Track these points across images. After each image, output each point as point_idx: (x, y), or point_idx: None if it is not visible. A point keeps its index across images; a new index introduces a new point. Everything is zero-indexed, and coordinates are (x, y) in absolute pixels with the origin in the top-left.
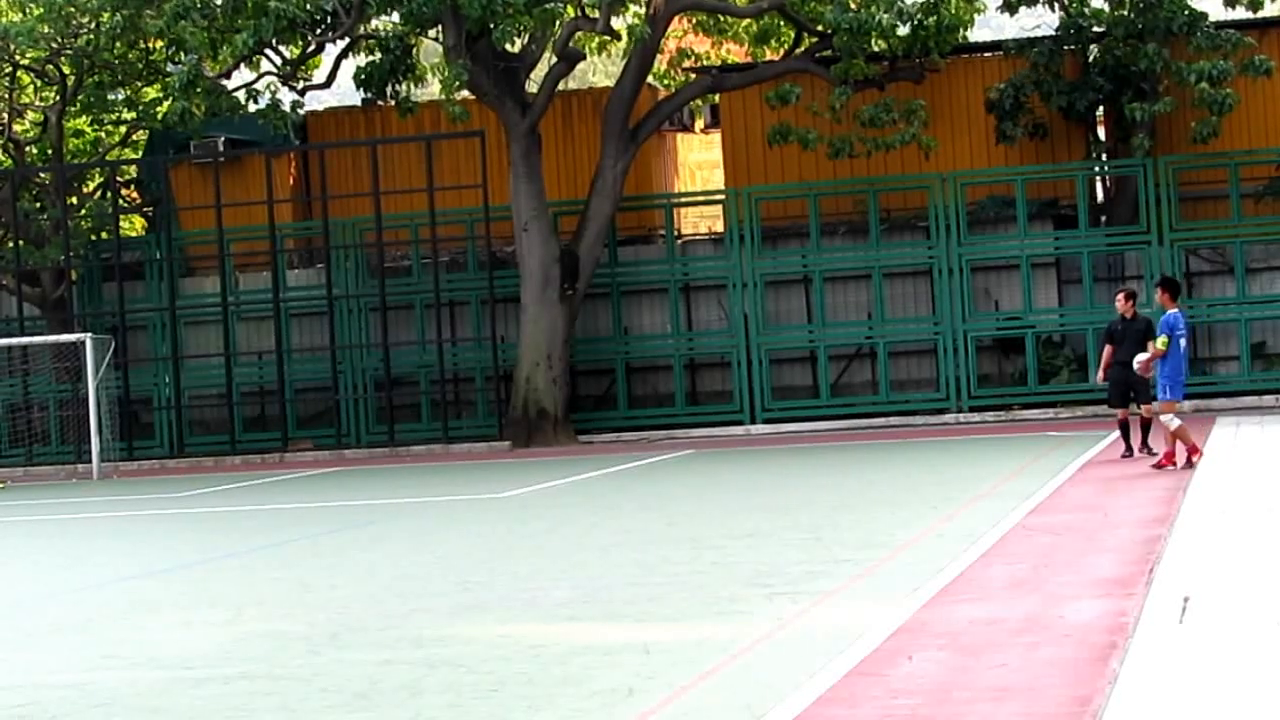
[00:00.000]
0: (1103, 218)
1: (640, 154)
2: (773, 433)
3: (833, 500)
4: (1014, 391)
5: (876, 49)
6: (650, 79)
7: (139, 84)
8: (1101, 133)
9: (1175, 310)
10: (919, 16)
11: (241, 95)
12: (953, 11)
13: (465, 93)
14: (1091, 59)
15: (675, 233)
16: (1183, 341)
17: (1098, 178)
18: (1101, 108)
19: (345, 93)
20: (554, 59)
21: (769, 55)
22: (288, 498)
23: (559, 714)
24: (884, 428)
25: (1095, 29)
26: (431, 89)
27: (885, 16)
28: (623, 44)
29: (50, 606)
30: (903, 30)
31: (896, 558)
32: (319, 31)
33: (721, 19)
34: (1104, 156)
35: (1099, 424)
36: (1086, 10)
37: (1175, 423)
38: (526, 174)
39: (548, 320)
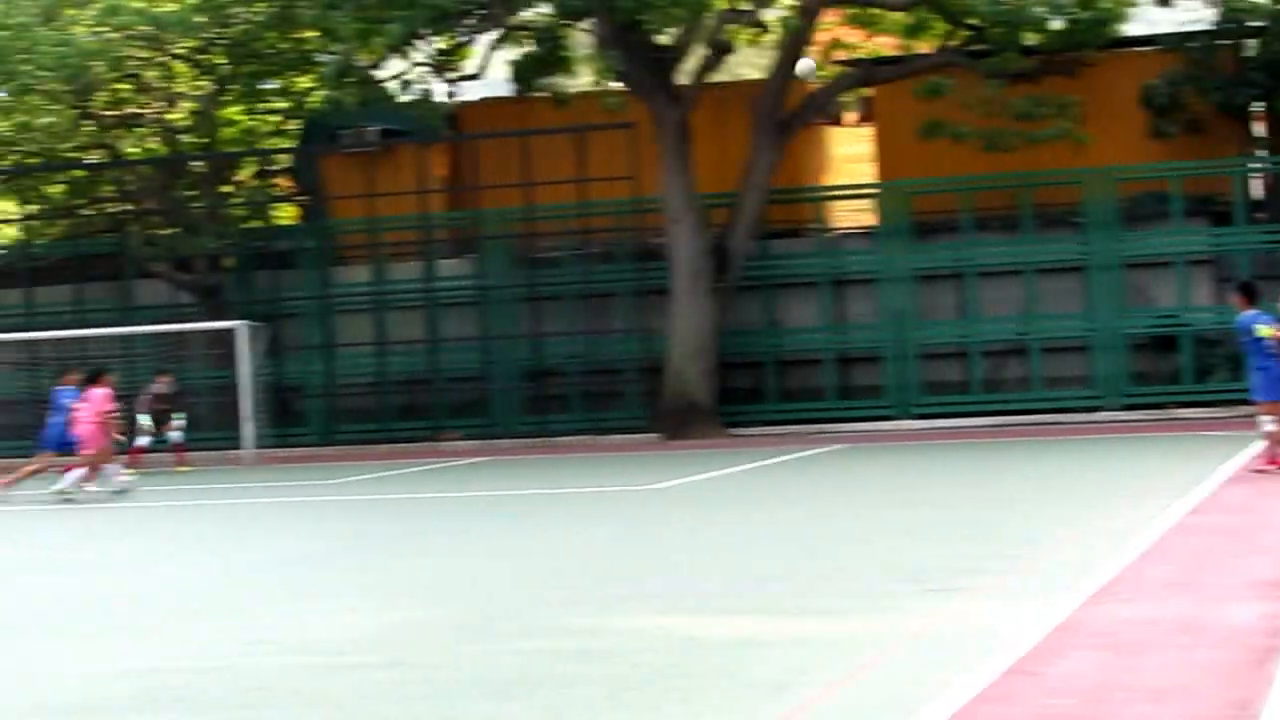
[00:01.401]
0: (1260, 215)
1: (791, 147)
2: (923, 428)
3: (985, 496)
4: (1169, 390)
5: (1029, 42)
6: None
7: (292, 73)
8: (1259, 128)
9: (1252, 312)
10: (1073, 10)
11: (393, 85)
12: (1107, 5)
13: (617, 84)
14: (1249, 54)
15: (826, 226)
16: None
17: (1255, 174)
18: (1259, 103)
19: (497, 83)
20: (705, 51)
21: (921, 48)
22: (437, 487)
23: (712, 706)
24: (1036, 424)
25: (1253, 23)
26: (583, 80)
27: (1039, 10)
28: (774, 36)
29: (202, 591)
30: (1056, 24)
31: (1050, 556)
32: (471, 22)
33: (873, 11)
34: (1261, 153)
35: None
36: (1244, 4)
37: (1269, 426)
38: (677, 166)
39: (698, 313)
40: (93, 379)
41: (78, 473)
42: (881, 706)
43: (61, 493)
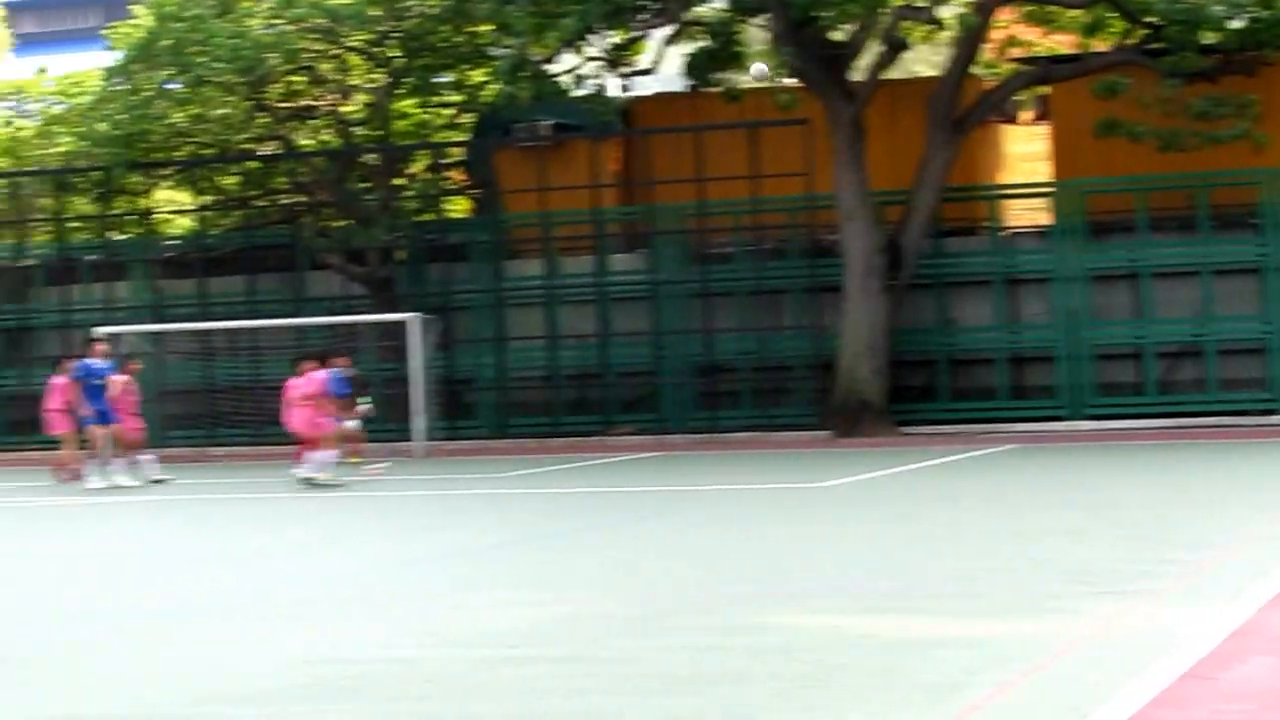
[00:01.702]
0: None
1: (965, 144)
2: (1096, 429)
3: (1158, 498)
4: None
5: (1208, 41)
6: (976, 69)
7: (466, 67)
8: None
9: None
10: (1253, 9)
11: (567, 80)
12: None
13: (791, 80)
14: None
15: (1000, 225)
16: None
17: None
18: None
19: (669, 78)
20: (880, 47)
21: (1098, 46)
22: (608, 481)
23: (883, 706)
24: (1211, 427)
25: None
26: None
27: (1218, 9)
28: (949, 33)
29: (375, 581)
30: (1236, 23)
31: (1226, 559)
32: (644, 17)
33: (1050, 9)
34: None
35: None
36: None
37: None
38: (850, 163)
39: (870, 310)
40: (321, 361)
41: (323, 455)
42: (1053, 709)
43: (308, 480)
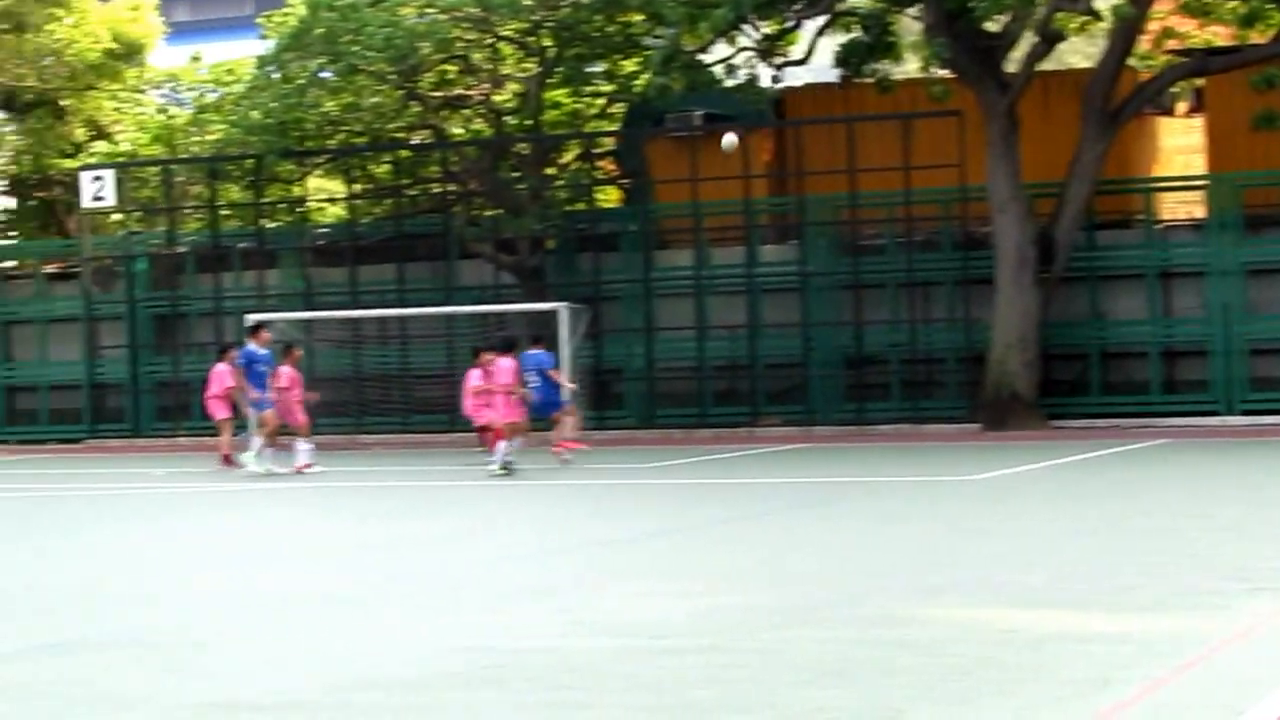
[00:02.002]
0: None
1: (1119, 137)
2: (1250, 424)
3: None
4: None
5: None
6: (1132, 60)
7: (618, 57)
8: None
9: None
10: None
11: (719, 70)
12: None
13: (944, 71)
14: None
15: (1154, 218)
16: None
17: None
18: None
19: (822, 69)
20: (1034, 39)
21: (1255, 39)
22: (756, 472)
23: (1031, 701)
24: None
25: None
26: (909, 67)
27: None
28: (1105, 24)
29: (521, 570)
30: None
31: None
32: (797, 7)
33: (1207, 0)
34: None
35: None
36: None
37: None
38: (1004, 154)
39: (1022, 303)
40: (506, 349)
41: (507, 444)
42: (1206, 706)
43: (501, 469)
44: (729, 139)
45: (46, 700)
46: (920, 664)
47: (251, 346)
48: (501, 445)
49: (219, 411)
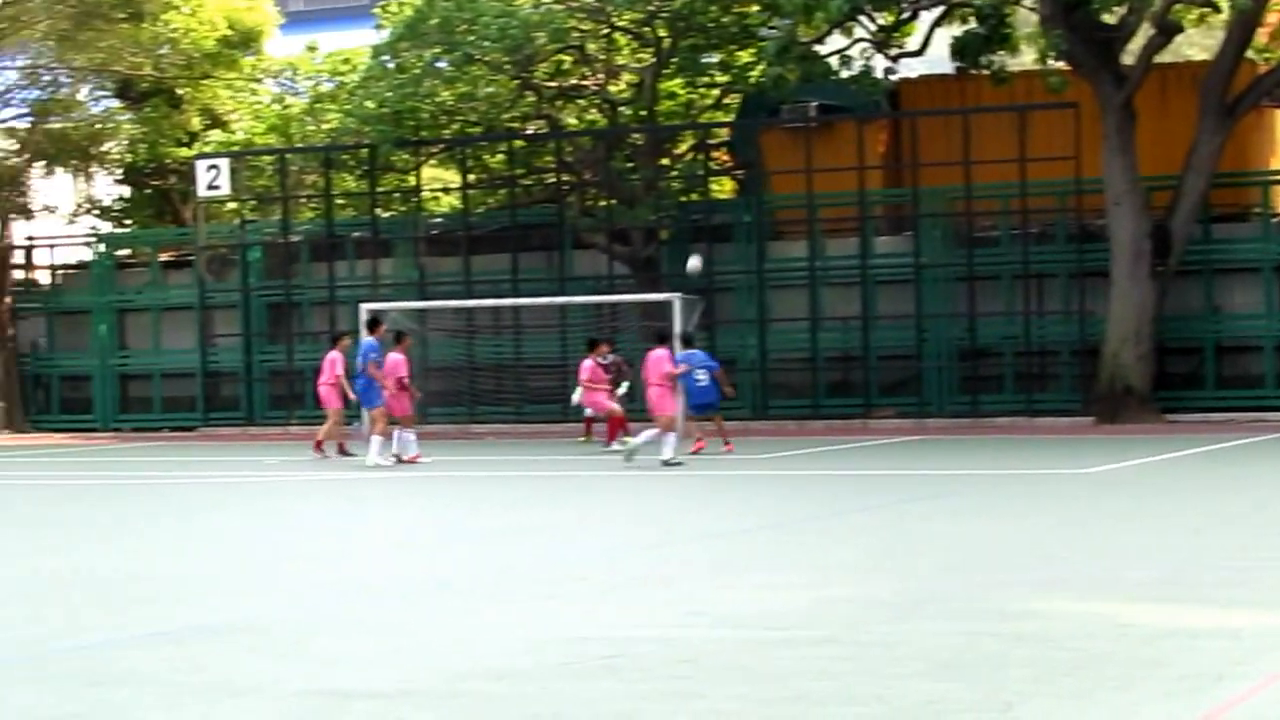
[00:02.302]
0: None
1: (1236, 129)
2: None
3: None
4: None
5: None
6: (1249, 53)
7: (733, 47)
8: None
9: None
10: None
11: (834, 61)
12: None
13: (1060, 63)
14: None
15: (1271, 211)
16: None
17: None
18: None
19: (937, 60)
20: (1151, 31)
21: None
22: (869, 464)
23: (1145, 695)
24: None
25: None
26: (1024, 59)
27: None
28: (1222, 16)
29: (635, 560)
30: None
31: None
32: None
33: None
34: None
35: None
36: None
37: None
38: (1120, 147)
39: (1137, 296)
40: (661, 340)
41: (653, 434)
42: None
43: (673, 461)
44: (693, 263)
45: (159, 687)
46: (1033, 657)
47: (371, 339)
48: (670, 438)
49: (331, 400)
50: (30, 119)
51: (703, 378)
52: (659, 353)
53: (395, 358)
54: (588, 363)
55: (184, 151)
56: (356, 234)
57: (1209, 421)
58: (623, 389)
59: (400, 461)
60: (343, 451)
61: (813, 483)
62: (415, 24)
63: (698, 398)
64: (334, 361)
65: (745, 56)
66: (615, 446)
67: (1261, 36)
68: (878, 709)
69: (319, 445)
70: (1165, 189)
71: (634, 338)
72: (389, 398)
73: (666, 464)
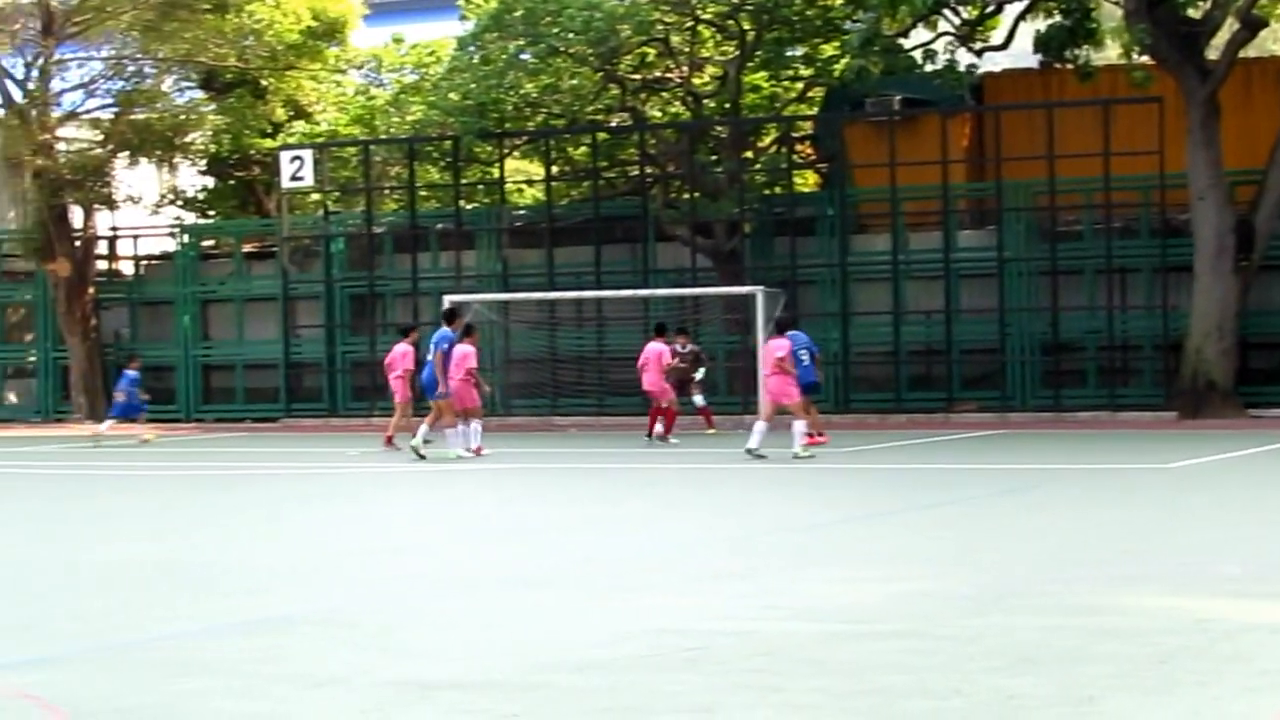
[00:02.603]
0: None
1: None
2: None
3: None
4: None
5: None
6: None
7: (817, 40)
8: None
9: None
10: None
11: (918, 55)
12: None
13: (1144, 58)
14: None
15: None
16: None
17: None
18: None
19: (1021, 54)
20: (1236, 25)
21: None
22: (951, 458)
23: (1227, 690)
24: None
25: None
26: (1109, 53)
27: None
28: None
29: (715, 553)
30: None
31: None
32: None
33: None
34: None
35: None
36: None
37: None
38: (1204, 142)
39: (1220, 291)
40: (781, 329)
41: (798, 425)
42: None
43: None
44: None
45: (241, 679)
46: (1114, 652)
47: (446, 330)
48: (799, 425)
49: (402, 392)
50: (115, 110)
51: (805, 357)
52: (780, 342)
53: (465, 349)
54: (659, 347)
55: (268, 142)
56: (440, 225)
57: None
58: (700, 374)
59: (458, 455)
60: (389, 444)
61: (893, 476)
62: (500, 16)
63: (801, 377)
64: (406, 354)
65: (829, 49)
66: (669, 440)
67: None
68: (956, 703)
69: (389, 440)
70: (1249, 184)
71: (715, 330)
72: (458, 388)
73: (797, 457)
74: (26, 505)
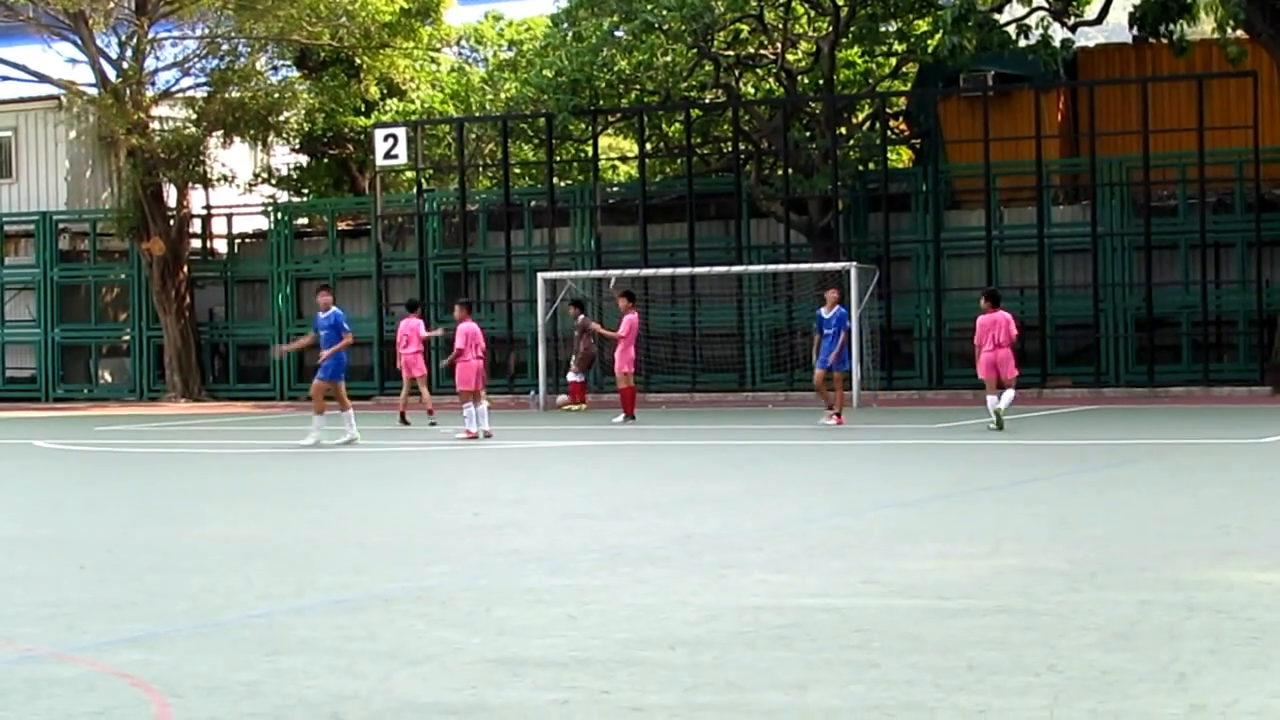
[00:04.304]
0: None
1: None
2: None
3: None
4: None
5: None
6: None
7: (911, 16)
8: None
9: None
10: None
11: (1012, 30)
12: None
13: (1239, 33)
14: None
15: None
16: None
17: None
18: None
19: (1115, 29)
20: None
21: None
22: (1045, 434)
23: None
24: None
25: None
26: (1203, 28)
27: None
28: None
29: (811, 530)
30: None
31: None
32: None
33: None
34: None
35: None
36: None
37: None
38: None
39: None
40: (994, 303)
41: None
42: None
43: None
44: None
45: (331, 655)
46: (1208, 627)
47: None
48: (1007, 396)
49: (417, 367)
50: (209, 88)
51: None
52: (1000, 315)
53: (468, 328)
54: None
55: (362, 120)
56: (534, 203)
57: None
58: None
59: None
60: (403, 420)
61: (989, 452)
62: None
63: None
64: (416, 329)
65: (923, 25)
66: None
67: None
68: (1050, 679)
69: (429, 411)
70: None
71: (809, 306)
72: (463, 369)
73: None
74: (123, 485)
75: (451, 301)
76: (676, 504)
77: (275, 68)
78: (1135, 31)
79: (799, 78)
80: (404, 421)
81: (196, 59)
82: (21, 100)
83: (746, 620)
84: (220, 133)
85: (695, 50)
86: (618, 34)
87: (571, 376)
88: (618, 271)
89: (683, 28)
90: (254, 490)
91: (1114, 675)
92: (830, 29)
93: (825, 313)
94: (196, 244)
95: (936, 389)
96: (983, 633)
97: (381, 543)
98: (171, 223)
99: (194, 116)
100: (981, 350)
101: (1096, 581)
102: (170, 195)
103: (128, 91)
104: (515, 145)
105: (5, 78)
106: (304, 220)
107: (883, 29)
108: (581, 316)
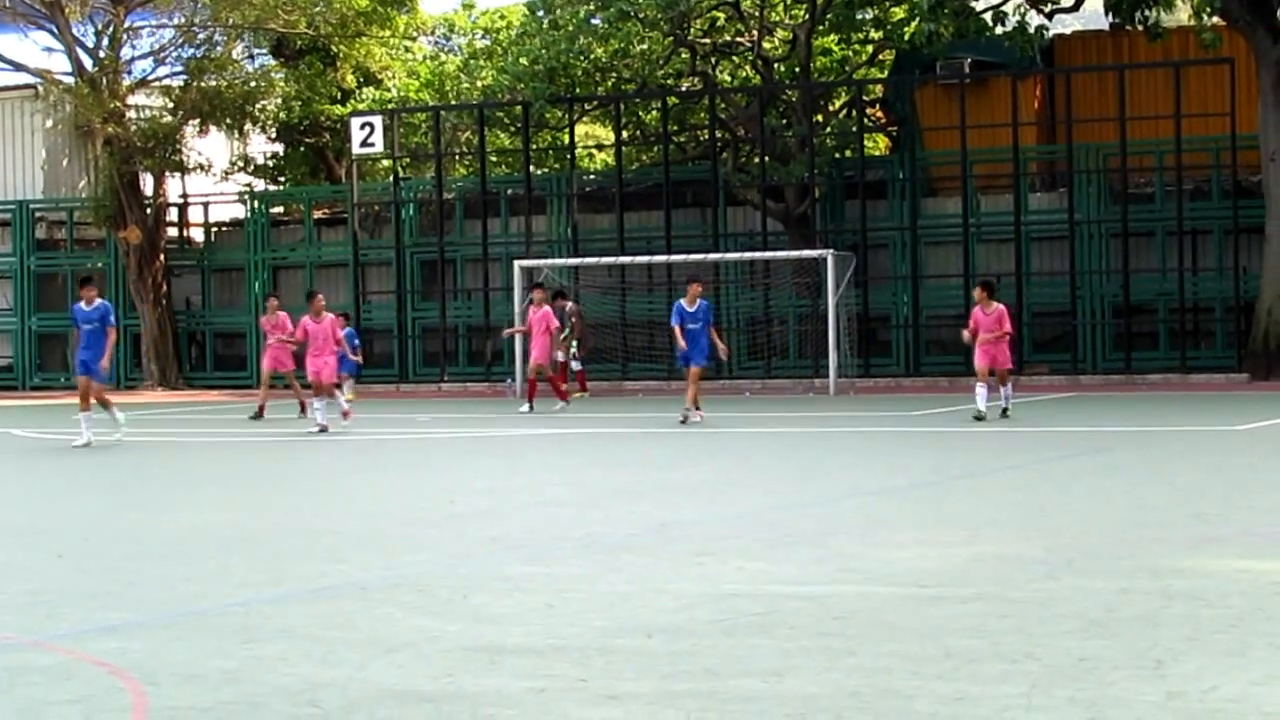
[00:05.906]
0: None
1: None
2: None
3: None
4: None
5: None
6: None
7: (887, 4)
8: None
9: None
10: None
11: (988, 17)
12: None
13: (1215, 19)
14: None
15: None
16: None
17: None
18: None
19: (1091, 16)
20: None
21: None
22: (1023, 421)
23: None
24: None
25: None
26: (1179, 15)
27: None
28: None
29: (787, 518)
30: None
31: None
32: None
33: None
34: None
35: None
36: None
37: None
38: (1275, 103)
39: None
40: (989, 292)
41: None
42: None
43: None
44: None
45: (309, 643)
46: (1186, 615)
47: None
48: (1007, 390)
49: (286, 364)
50: (185, 77)
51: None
52: (999, 308)
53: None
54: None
55: (338, 109)
56: (510, 191)
57: None
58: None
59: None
60: (304, 412)
61: (966, 439)
62: None
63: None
64: (284, 321)
65: (899, 13)
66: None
67: None
68: (1029, 666)
69: (303, 407)
70: None
71: (787, 294)
72: (318, 365)
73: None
74: (100, 473)
75: (428, 289)
76: (653, 491)
77: (251, 56)
78: (1112, 18)
79: (775, 65)
80: (303, 414)
81: (173, 48)
82: None
83: (723, 608)
84: (197, 121)
85: (671, 38)
86: (594, 22)
87: (575, 365)
88: (573, 261)
89: (659, 15)
90: (231, 478)
91: (1092, 662)
92: (806, 16)
93: (688, 306)
94: (173, 232)
95: (913, 376)
96: (960, 620)
97: (359, 531)
98: (148, 211)
99: (170, 105)
100: (979, 341)
101: (1074, 569)
102: (147, 184)
103: (104, 80)
104: (492, 133)
105: None
106: (280, 209)
107: (859, 16)
108: (569, 304)
